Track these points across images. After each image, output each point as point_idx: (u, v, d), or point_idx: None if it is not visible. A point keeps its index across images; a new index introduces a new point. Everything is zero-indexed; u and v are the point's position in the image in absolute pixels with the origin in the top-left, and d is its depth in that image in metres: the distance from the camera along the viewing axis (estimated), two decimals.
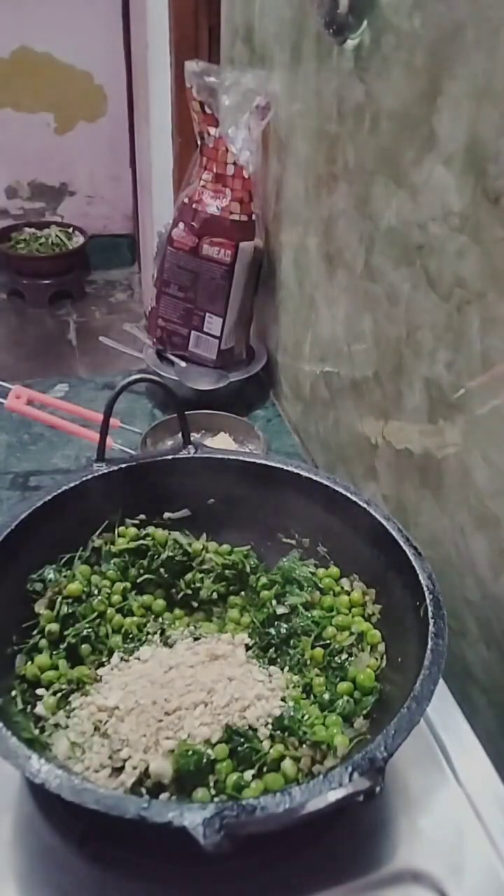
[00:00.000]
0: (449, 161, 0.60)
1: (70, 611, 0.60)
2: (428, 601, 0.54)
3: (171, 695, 0.53)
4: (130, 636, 0.61)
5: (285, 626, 0.62)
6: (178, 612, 0.66)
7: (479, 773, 0.57)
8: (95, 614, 0.61)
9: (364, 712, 0.55)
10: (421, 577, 0.56)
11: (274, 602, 0.63)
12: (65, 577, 0.61)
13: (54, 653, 0.58)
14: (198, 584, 0.66)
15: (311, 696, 0.57)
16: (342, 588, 0.65)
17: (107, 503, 0.66)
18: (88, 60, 2.73)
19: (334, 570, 0.66)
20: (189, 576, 0.66)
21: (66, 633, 0.59)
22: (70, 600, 0.60)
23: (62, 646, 0.59)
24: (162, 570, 0.66)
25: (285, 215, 1.03)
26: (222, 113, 1.03)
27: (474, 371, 0.61)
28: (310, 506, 0.66)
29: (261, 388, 1.16)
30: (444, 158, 0.61)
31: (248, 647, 0.61)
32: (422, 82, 0.63)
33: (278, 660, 0.60)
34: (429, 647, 0.50)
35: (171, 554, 0.65)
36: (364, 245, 0.78)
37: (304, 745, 0.53)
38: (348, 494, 0.64)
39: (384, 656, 0.59)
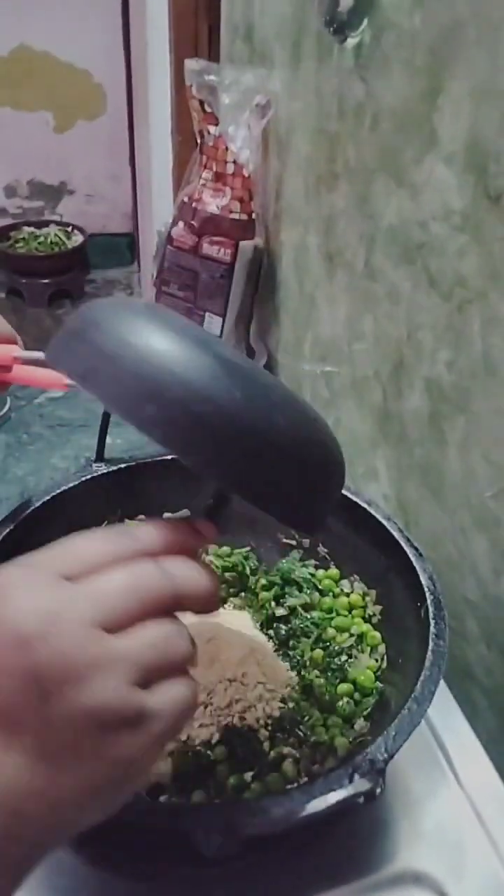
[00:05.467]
0: (450, 160, 0.60)
1: None
2: (429, 602, 0.53)
3: None
4: None
5: (284, 627, 0.61)
6: None
7: (480, 775, 0.56)
8: None
9: (364, 713, 0.55)
10: (422, 578, 0.55)
11: (273, 604, 0.63)
12: None
13: None
14: None
15: (312, 697, 0.57)
16: (342, 590, 0.65)
17: (106, 504, 0.66)
18: (88, 59, 2.73)
19: (334, 570, 0.66)
20: None
21: None
22: None
23: None
24: None
25: (285, 214, 1.03)
26: (222, 111, 1.03)
27: (475, 371, 0.61)
28: None
29: None
30: (444, 157, 0.61)
31: None
32: (422, 81, 0.63)
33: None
34: (429, 647, 0.50)
35: None
36: (364, 244, 0.78)
37: (305, 747, 0.53)
38: (349, 495, 0.63)
39: (384, 657, 0.59)
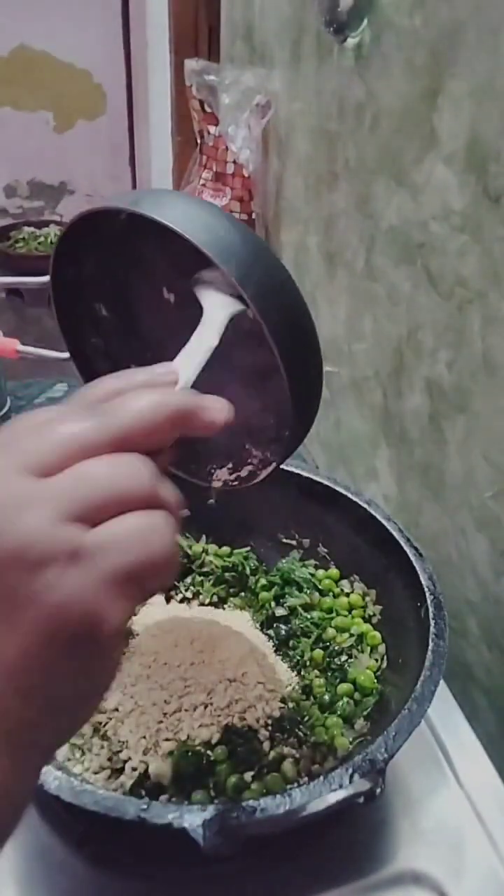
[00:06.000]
0: (450, 160, 0.60)
1: None
2: (429, 602, 0.53)
3: (171, 696, 0.53)
4: (133, 636, 0.61)
5: (285, 627, 0.62)
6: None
7: (480, 775, 0.56)
8: None
9: (364, 713, 0.55)
10: (422, 578, 0.55)
11: (273, 604, 0.63)
12: None
13: None
14: (197, 588, 0.65)
15: (312, 697, 0.57)
16: (341, 590, 0.65)
17: None
18: (88, 59, 2.73)
19: (334, 571, 0.66)
20: (189, 579, 0.66)
21: None
22: None
23: None
24: None
25: (285, 214, 1.03)
26: (222, 111, 1.03)
27: (475, 370, 0.61)
28: (310, 506, 0.66)
29: None
30: (444, 157, 0.61)
31: None
32: (422, 81, 0.63)
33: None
34: (429, 648, 0.50)
35: None
36: (365, 244, 0.78)
37: (305, 747, 0.53)
38: (349, 495, 0.63)
39: (384, 657, 0.59)
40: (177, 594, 0.66)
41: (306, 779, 0.51)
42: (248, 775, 0.50)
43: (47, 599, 0.24)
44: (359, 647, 0.60)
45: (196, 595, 0.65)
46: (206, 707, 0.52)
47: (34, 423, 0.27)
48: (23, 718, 0.25)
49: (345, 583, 0.65)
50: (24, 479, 0.25)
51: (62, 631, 0.25)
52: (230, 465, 0.48)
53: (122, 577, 0.25)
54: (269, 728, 0.53)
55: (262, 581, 0.65)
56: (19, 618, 0.24)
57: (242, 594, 0.66)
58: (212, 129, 1.04)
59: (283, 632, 0.61)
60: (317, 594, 0.64)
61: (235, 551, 0.68)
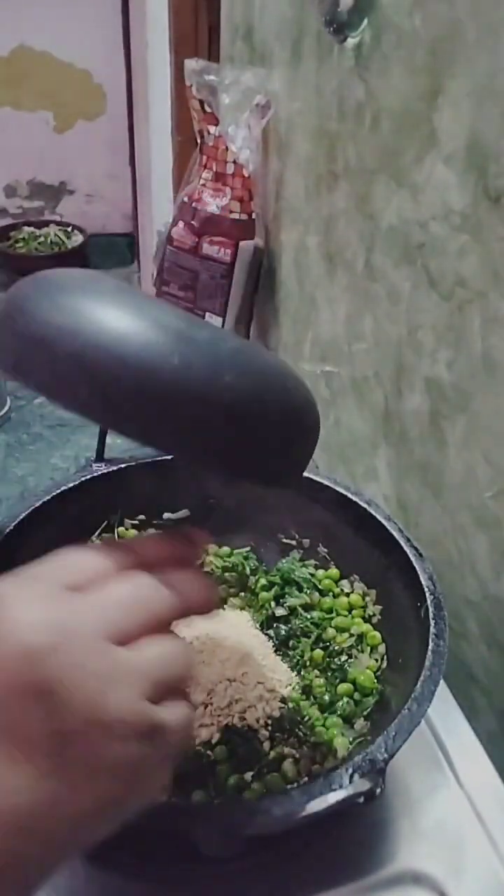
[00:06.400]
0: (450, 160, 0.60)
1: None
2: (429, 602, 0.53)
3: None
4: None
5: (284, 627, 0.61)
6: None
7: (480, 775, 0.56)
8: None
9: (364, 713, 0.55)
10: (422, 578, 0.55)
11: (273, 604, 0.63)
12: None
13: None
14: None
15: (312, 697, 0.57)
16: (342, 590, 0.65)
17: (106, 504, 0.66)
18: (88, 59, 2.73)
19: (334, 570, 0.66)
20: None
21: None
22: None
23: None
24: None
25: (285, 214, 1.03)
26: (222, 111, 1.03)
27: (475, 371, 0.61)
28: (310, 506, 0.66)
29: None
30: (444, 157, 0.61)
31: None
32: (423, 81, 0.63)
33: None
34: (429, 648, 0.50)
35: None
36: (365, 244, 0.78)
37: (305, 747, 0.53)
38: (349, 495, 0.63)
39: (384, 657, 0.59)
40: None
41: (306, 779, 0.51)
42: (248, 775, 0.50)
43: (129, 771, 0.29)
44: (359, 647, 0.60)
45: None
46: (206, 707, 0.52)
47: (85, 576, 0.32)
48: (43, 863, 0.29)
49: (345, 583, 0.65)
50: (107, 647, 0.29)
51: (129, 794, 0.30)
52: None
53: (173, 756, 0.32)
54: (269, 728, 0.53)
55: (262, 581, 0.65)
56: (95, 781, 0.28)
57: (242, 594, 0.66)
58: (212, 129, 1.04)
59: (283, 632, 0.61)
60: (317, 594, 0.64)
61: (235, 551, 0.68)
